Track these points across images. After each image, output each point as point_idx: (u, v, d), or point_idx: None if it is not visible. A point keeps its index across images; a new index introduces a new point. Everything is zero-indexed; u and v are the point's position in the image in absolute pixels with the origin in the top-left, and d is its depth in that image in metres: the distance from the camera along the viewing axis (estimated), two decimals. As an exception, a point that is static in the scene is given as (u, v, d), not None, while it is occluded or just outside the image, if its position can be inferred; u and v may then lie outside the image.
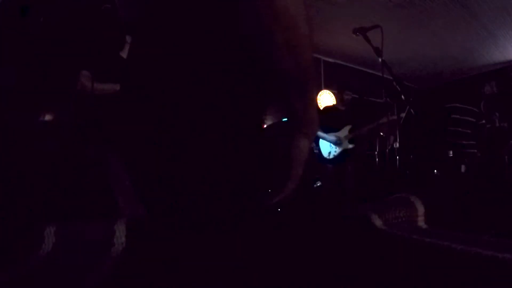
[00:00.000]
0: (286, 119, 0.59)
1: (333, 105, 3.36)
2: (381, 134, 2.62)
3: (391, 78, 2.13)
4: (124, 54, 1.79)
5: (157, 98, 0.50)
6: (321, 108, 3.19)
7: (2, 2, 1.88)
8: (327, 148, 2.87)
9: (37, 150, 1.95)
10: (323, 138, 2.85)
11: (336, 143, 2.80)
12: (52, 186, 1.87)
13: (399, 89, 2.14)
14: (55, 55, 2.07)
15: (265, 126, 0.67)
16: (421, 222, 1.35)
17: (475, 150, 2.77)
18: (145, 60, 0.53)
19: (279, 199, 0.57)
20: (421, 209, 1.41)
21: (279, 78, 0.50)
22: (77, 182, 1.79)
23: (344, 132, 2.81)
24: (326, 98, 4.22)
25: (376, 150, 2.79)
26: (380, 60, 2.09)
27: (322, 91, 4.24)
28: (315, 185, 2.81)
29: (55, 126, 2.11)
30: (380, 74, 2.14)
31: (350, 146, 2.76)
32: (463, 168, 2.65)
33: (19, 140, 1.91)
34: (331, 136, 2.82)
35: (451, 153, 2.63)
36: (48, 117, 2.10)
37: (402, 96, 2.17)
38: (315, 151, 2.91)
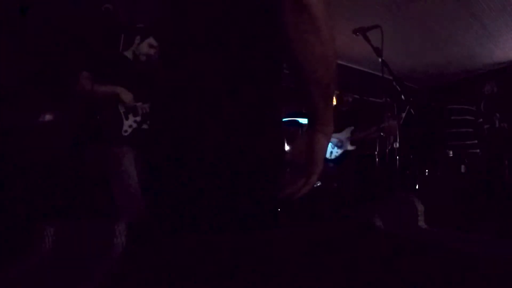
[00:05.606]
0: (306, 119, 0.64)
1: (334, 106, 3.36)
2: (381, 134, 2.62)
3: (391, 78, 2.13)
4: (128, 54, 1.78)
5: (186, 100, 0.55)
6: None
7: (2, 2, 1.88)
8: (328, 148, 2.86)
9: (37, 150, 1.95)
10: None
11: (338, 145, 2.80)
12: (52, 186, 1.87)
13: (399, 89, 2.15)
14: (55, 55, 2.07)
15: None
16: (421, 222, 1.35)
17: (478, 150, 2.76)
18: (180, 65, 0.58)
19: (303, 193, 0.62)
20: (421, 209, 1.41)
21: (310, 83, 0.56)
22: (77, 182, 1.79)
23: (346, 133, 2.80)
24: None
25: (376, 150, 2.79)
26: (380, 60, 2.09)
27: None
28: (315, 185, 2.80)
29: (55, 126, 2.11)
30: (380, 74, 2.14)
31: (352, 148, 2.76)
32: (463, 168, 2.64)
33: (19, 140, 1.91)
34: (333, 138, 2.82)
35: (451, 153, 2.63)
36: (48, 117, 2.10)
37: (402, 96, 2.18)
38: None
